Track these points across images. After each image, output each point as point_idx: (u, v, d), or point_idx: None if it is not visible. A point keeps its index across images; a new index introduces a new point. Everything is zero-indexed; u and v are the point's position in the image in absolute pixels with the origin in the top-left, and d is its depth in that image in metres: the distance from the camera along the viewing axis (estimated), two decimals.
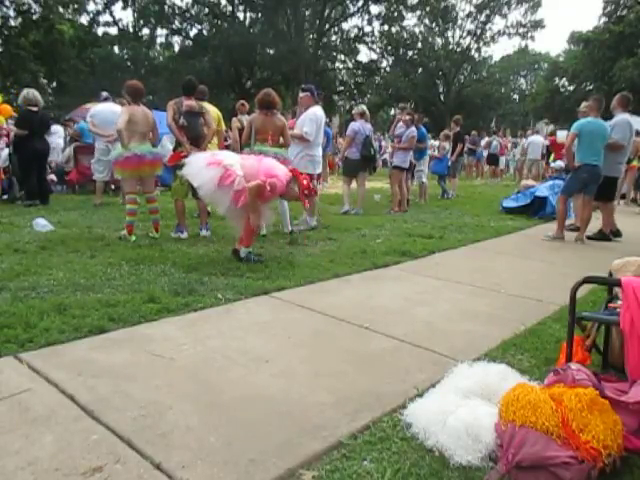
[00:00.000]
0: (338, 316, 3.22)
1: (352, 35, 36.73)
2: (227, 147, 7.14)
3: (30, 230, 5.56)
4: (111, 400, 2.09)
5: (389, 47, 36.93)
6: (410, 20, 40.69)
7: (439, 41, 38.71)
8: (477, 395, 2.01)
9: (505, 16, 37.57)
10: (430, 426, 1.87)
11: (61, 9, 28.74)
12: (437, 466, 1.74)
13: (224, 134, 7.85)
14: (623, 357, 2.08)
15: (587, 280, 2.17)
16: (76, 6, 30.29)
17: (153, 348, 2.63)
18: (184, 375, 2.36)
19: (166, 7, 32.63)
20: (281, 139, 5.51)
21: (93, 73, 31.12)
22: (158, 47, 37.66)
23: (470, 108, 38.35)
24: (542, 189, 8.49)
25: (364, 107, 8.42)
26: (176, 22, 34.17)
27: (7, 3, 25.85)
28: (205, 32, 34.64)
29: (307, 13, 34.49)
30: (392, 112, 39.36)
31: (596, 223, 6.55)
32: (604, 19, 31.26)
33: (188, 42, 35.19)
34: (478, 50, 39.45)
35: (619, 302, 2.20)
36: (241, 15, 34.57)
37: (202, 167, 4.32)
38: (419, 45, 37.94)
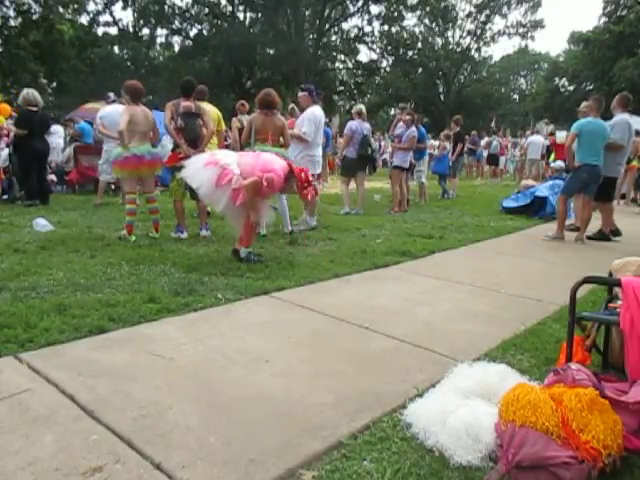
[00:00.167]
0: (338, 316, 3.22)
1: (352, 35, 36.77)
2: (227, 147, 7.14)
3: (30, 230, 5.56)
4: (111, 400, 2.09)
5: (389, 47, 36.92)
6: (410, 20, 40.77)
7: (439, 41, 38.73)
8: (477, 395, 2.01)
9: (505, 16, 37.65)
10: (430, 426, 1.87)
11: (61, 9, 28.76)
12: (437, 466, 1.74)
13: (224, 134, 7.85)
14: (623, 357, 2.08)
15: (587, 280, 2.17)
16: (76, 6, 30.30)
17: (153, 348, 2.63)
18: (184, 375, 2.36)
19: (166, 7, 32.64)
20: (281, 139, 5.51)
21: (93, 73, 31.15)
22: (158, 47, 37.68)
23: (470, 108, 38.34)
24: (542, 189, 8.49)
25: (362, 106, 8.43)
26: (176, 22, 34.20)
27: (7, 3, 25.87)
28: (205, 32, 34.66)
29: (307, 13, 34.51)
30: (392, 112, 39.34)
31: (596, 223, 6.55)
32: (604, 19, 31.29)
33: (188, 42, 35.21)
34: (478, 50, 39.52)
35: (619, 302, 2.20)
36: (241, 15, 34.61)
37: (200, 168, 4.33)
38: (419, 45, 37.93)
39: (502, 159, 18.94)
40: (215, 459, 1.74)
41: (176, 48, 36.43)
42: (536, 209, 8.28)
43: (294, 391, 2.24)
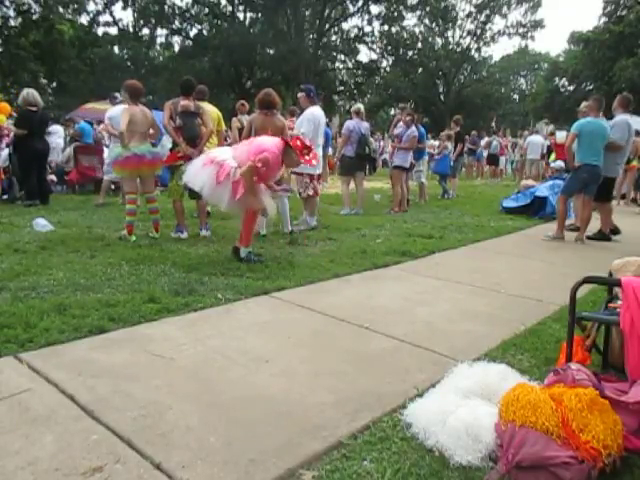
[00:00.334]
0: (338, 316, 3.22)
1: (352, 35, 36.77)
2: None
3: (30, 230, 5.56)
4: (111, 400, 2.09)
5: (389, 47, 36.92)
6: (410, 20, 40.80)
7: (439, 41, 38.72)
8: (477, 395, 2.01)
9: (505, 16, 37.63)
10: (430, 426, 1.87)
11: (61, 9, 28.78)
12: (437, 466, 1.74)
13: (224, 134, 7.85)
14: (623, 357, 2.08)
15: (587, 280, 2.17)
16: (76, 6, 30.33)
17: (153, 348, 2.63)
18: (184, 375, 2.36)
19: (166, 7, 32.65)
20: None
21: (93, 73, 31.16)
22: (158, 47, 37.70)
23: (470, 108, 38.33)
24: (542, 189, 8.48)
25: (360, 105, 8.43)
26: (176, 22, 34.19)
27: (7, 3, 25.88)
28: (205, 32, 34.67)
29: (307, 13, 34.51)
30: (392, 112, 39.35)
31: (596, 223, 6.55)
32: (604, 19, 31.29)
33: (188, 42, 35.21)
34: (478, 50, 39.50)
35: (619, 302, 2.21)
36: (241, 15, 34.61)
37: (199, 169, 4.33)
38: (419, 45, 37.90)
39: (502, 159, 18.94)
40: (215, 459, 1.74)
41: (176, 48, 36.47)
42: (536, 209, 8.27)
43: (294, 391, 2.24)
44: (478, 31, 37.87)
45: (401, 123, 8.71)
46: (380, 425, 1.99)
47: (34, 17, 26.84)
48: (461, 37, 38.31)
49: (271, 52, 33.45)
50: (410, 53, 37.75)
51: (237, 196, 4.14)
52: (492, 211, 8.73)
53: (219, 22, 34.10)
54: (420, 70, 38.46)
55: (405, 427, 1.96)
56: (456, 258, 5.20)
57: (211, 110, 6.33)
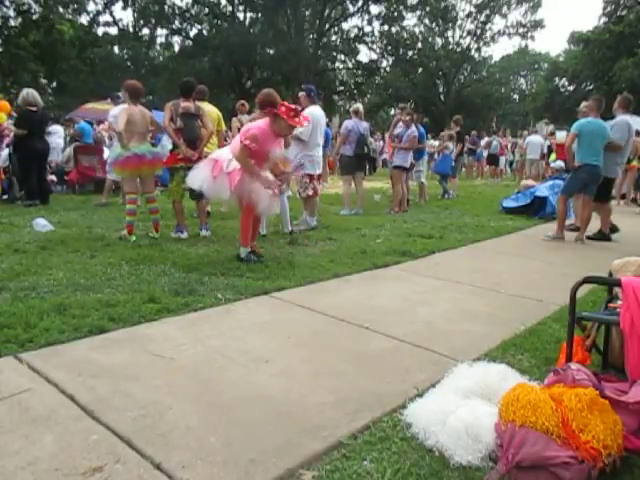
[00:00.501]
0: (338, 316, 3.22)
1: (352, 35, 36.77)
2: None
3: (30, 230, 5.56)
4: (111, 400, 2.09)
5: (389, 47, 36.93)
6: (410, 20, 40.78)
7: (439, 41, 38.72)
8: (477, 395, 2.01)
9: (505, 16, 37.64)
10: (430, 426, 1.87)
11: (61, 9, 28.80)
12: (437, 466, 1.74)
13: (224, 134, 7.85)
14: (623, 357, 2.08)
15: (587, 280, 2.17)
16: (76, 6, 30.35)
17: (153, 348, 2.63)
18: (184, 375, 2.36)
19: (166, 7, 32.66)
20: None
21: (93, 73, 31.17)
22: (158, 47, 37.73)
23: (470, 108, 38.33)
24: (542, 189, 8.48)
25: (359, 105, 8.43)
26: (176, 22, 34.21)
27: (7, 3, 25.89)
28: (205, 32, 34.68)
29: (307, 13, 34.52)
30: (392, 112, 39.35)
31: (596, 223, 6.55)
32: (604, 19, 31.29)
33: (188, 42, 35.22)
34: (478, 50, 39.50)
35: (619, 302, 2.20)
36: (241, 15, 34.62)
37: (198, 169, 4.46)
38: (419, 45, 37.91)
39: (502, 159, 18.95)
40: (215, 459, 1.74)
41: (176, 48, 36.50)
42: (536, 209, 8.27)
43: (294, 391, 2.24)
44: (478, 31, 37.89)
45: (401, 123, 8.71)
46: (380, 425, 1.99)
47: (34, 17, 26.84)
48: (461, 37, 38.37)
49: (271, 52, 33.46)
50: (410, 53, 37.76)
51: (235, 186, 4.21)
52: (492, 211, 8.73)
53: (219, 22, 34.11)
54: (420, 70, 38.47)
55: (405, 427, 1.96)
56: (456, 258, 5.20)
57: (211, 110, 6.34)
